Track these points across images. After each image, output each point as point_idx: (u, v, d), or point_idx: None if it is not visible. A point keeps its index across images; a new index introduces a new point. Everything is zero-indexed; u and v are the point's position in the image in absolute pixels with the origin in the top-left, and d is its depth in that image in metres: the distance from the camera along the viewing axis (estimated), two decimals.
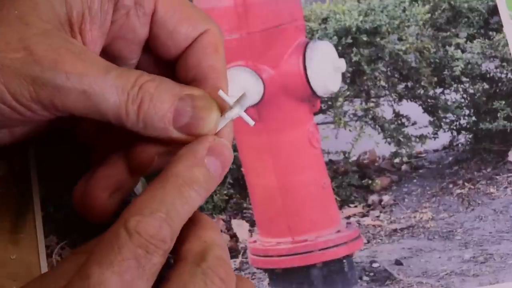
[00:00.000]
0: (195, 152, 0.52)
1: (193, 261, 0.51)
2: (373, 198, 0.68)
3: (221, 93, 0.54)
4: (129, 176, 0.58)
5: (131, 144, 0.56)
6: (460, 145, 0.70)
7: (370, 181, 0.68)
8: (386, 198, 0.68)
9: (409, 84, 0.71)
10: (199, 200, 0.52)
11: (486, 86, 0.71)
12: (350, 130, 0.70)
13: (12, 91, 0.51)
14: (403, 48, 0.72)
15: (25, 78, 0.51)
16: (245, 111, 0.55)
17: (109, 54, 0.58)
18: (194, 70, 0.57)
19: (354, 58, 0.71)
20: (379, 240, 0.66)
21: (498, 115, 0.70)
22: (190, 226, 0.52)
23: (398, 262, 0.66)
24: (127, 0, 0.56)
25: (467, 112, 0.71)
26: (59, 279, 0.50)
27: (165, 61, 0.59)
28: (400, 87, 0.71)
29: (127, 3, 0.56)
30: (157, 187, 0.51)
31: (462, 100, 0.71)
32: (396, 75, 0.71)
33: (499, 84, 0.71)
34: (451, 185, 0.68)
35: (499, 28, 0.72)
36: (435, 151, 0.70)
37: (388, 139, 0.70)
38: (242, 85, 0.68)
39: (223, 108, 0.55)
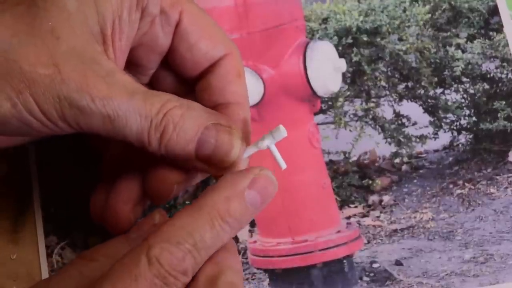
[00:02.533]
0: (236, 183, 0.51)
1: (203, 285, 0.50)
2: (373, 198, 0.68)
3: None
4: None
5: (150, 164, 0.56)
6: (460, 145, 0.70)
7: (370, 181, 0.68)
8: (386, 198, 0.68)
9: (410, 84, 0.71)
10: (231, 234, 0.51)
11: (487, 86, 0.71)
12: (350, 130, 0.70)
13: (41, 107, 0.51)
14: (404, 48, 0.72)
15: (53, 96, 0.51)
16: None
17: (129, 59, 0.57)
18: (217, 96, 0.57)
19: (355, 58, 0.71)
20: (379, 241, 0.66)
21: (499, 115, 0.70)
22: None
23: (398, 263, 0.66)
24: (153, 8, 0.55)
25: (467, 112, 0.71)
26: (62, 285, 0.50)
27: (184, 78, 0.58)
28: (401, 87, 0.71)
29: (153, 11, 0.56)
30: (189, 215, 0.50)
31: (463, 100, 0.71)
32: (396, 75, 0.71)
33: (500, 84, 0.71)
34: (451, 186, 0.68)
35: (499, 28, 0.72)
36: (436, 151, 0.70)
37: (389, 139, 0.70)
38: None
39: (248, 137, 0.55)
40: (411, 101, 0.71)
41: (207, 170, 0.54)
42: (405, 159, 0.69)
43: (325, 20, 0.72)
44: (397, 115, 0.71)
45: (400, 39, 0.72)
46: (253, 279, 0.65)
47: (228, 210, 0.50)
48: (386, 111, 0.71)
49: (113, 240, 0.54)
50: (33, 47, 0.51)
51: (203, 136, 0.52)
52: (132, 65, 0.58)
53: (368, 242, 0.66)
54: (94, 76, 0.51)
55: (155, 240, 0.49)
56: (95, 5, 0.53)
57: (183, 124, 0.52)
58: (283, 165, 0.54)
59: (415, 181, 0.69)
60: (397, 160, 0.69)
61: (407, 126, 0.70)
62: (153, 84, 0.60)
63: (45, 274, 0.64)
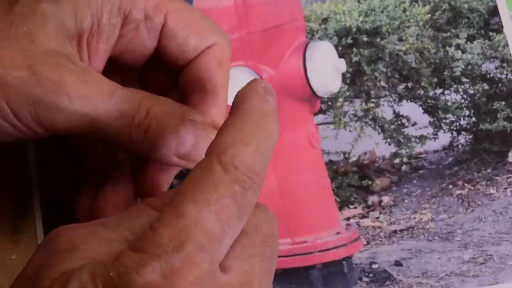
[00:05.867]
0: (257, 90, 0.49)
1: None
2: (373, 199, 0.68)
3: None
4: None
5: (136, 165, 0.56)
6: (460, 145, 0.70)
7: (370, 182, 0.68)
8: (386, 199, 0.68)
9: (409, 84, 0.71)
10: (277, 132, 0.48)
11: (486, 86, 0.71)
12: (350, 131, 0.70)
13: (13, 110, 0.51)
14: (403, 48, 0.72)
15: (27, 99, 0.50)
16: None
17: (114, 64, 0.57)
18: (195, 84, 0.56)
19: (354, 59, 0.71)
20: (379, 241, 0.66)
21: (498, 115, 0.70)
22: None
23: (397, 263, 0.66)
24: (137, 14, 0.55)
25: (467, 112, 0.71)
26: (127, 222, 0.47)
27: (170, 70, 0.58)
28: (400, 87, 0.71)
29: (137, 17, 0.55)
30: (240, 121, 0.47)
31: (462, 101, 0.71)
32: (396, 76, 0.71)
33: (499, 84, 0.71)
34: (451, 186, 0.68)
35: (499, 29, 0.72)
36: (435, 151, 0.70)
37: (388, 140, 0.70)
38: (242, 85, 0.68)
39: None
40: (411, 101, 0.71)
41: (184, 165, 0.53)
42: (405, 160, 0.69)
43: (325, 20, 0.72)
44: (397, 115, 0.71)
45: (400, 40, 0.72)
46: None
47: (266, 110, 0.48)
48: (386, 111, 0.71)
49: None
50: (7, 50, 0.51)
51: (183, 132, 0.52)
52: (117, 68, 0.58)
53: (368, 243, 0.66)
54: (71, 75, 0.51)
55: (221, 148, 0.46)
56: (74, 9, 0.53)
57: (166, 120, 0.52)
58: None
59: (414, 181, 0.69)
60: (396, 161, 0.69)
61: (406, 127, 0.70)
62: (138, 80, 0.60)
63: None
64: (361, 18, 0.72)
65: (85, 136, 0.52)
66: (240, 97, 0.49)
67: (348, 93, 0.71)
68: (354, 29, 0.72)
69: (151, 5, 0.55)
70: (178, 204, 0.44)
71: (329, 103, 0.70)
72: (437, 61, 0.72)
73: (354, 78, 0.71)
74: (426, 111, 0.71)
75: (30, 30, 0.52)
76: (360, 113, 0.70)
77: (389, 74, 0.71)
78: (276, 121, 0.48)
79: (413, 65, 0.71)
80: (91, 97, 0.51)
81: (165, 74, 0.59)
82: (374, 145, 0.70)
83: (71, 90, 0.51)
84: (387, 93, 0.71)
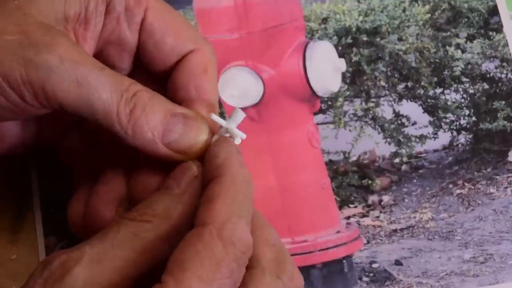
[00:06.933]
0: (233, 152, 0.51)
1: (271, 271, 0.49)
2: (373, 198, 0.68)
3: (213, 116, 0.53)
4: None
5: (127, 164, 0.56)
6: (460, 145, 0.70)
7: (370, 181, 0.68)
8: (386, 198, 0.68)
9: (409, 84, 0.71)
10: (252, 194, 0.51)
11: (486, 86, 0.71)
12: (350, 130, 0.70)
13: (3, 72, 0.50)
14: (403, 48, 0.72)
15: (18, 60, 0.50)
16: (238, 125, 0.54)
17: (100, 60, 0.57)
18: (182, 91, 0.56)
19: (354, 58, 0.71)
20: (379, 241, 0.66)
21: (498, 115, 0.70)
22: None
23: (398, 262, 0.66)
24: (118, 5, 0.55)
25: (467, 112, 0.71)
26: (120, 248, 0.48)
27: (156, 77, 0.58)
28: (400, 87, 0.71)
29: (118, 8, 0.55)
30: (230, 191, 0.49)
31: (462, 100, 0.71)
32: (396, 75, 0.71)
33: (499, 84, 0.71)
34: (451, 185, 0.68)
35: (499, 28, 0.72)
36: (435, 151, 0.70)
37: (388, 139, 0.70)
38: (242, 85, 0.68)
39: (214, 130, 0.54)
40: (411, 101, 0.71)
41: (171, 157, 0.53)
42: (405, 159, 0.69)
43: (324, 20, 0.72)
44: (397, 115, 0.71)
45: (400, 39, 0.72)
46: None
47: (246, 175, 0.50)
48: (385, 111, 0.71)
49: (155, 198, 0.51)
50: None
51: (171, 121, 0.52)
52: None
53: (368, 242, 0.66)
54: (64, 40, 0.51)
55: (220, 219, 0.47)
56: None
57: (152, 106, 0.52)
58: (242, 136, 0.54)
59: (414, 181, 0.69)
60: (396, 160, 0.69)
61: (406, 126, 0.70)
62: None
63: None
64: (361, 18, 0.72)
65: (75, 112, 0.51)
66: (219, 160, 0.51)
67: (348, 93, 0.71)
68: (354, 29, 0.72)
69: None
70: (183, 278, 0.46)
71: (329, 102, 0.70)
72: (437, 60, 0.72)
73: (354, 78, 0.71)
74: (426, 110, 0.71)
75: (22, 4, 0.52)
76: (360, 113, 0.70)
77: (389, 73, 0.71)
78: (251, 185, 0.50)
79: (413, 64, 0.71)
80: (82, 64, 0.50)
81: (153, 84, 0.59)
82: (374, 145, 0.70)
83: (64, 53, 0.50)
84: (387, 92, 0.71)
